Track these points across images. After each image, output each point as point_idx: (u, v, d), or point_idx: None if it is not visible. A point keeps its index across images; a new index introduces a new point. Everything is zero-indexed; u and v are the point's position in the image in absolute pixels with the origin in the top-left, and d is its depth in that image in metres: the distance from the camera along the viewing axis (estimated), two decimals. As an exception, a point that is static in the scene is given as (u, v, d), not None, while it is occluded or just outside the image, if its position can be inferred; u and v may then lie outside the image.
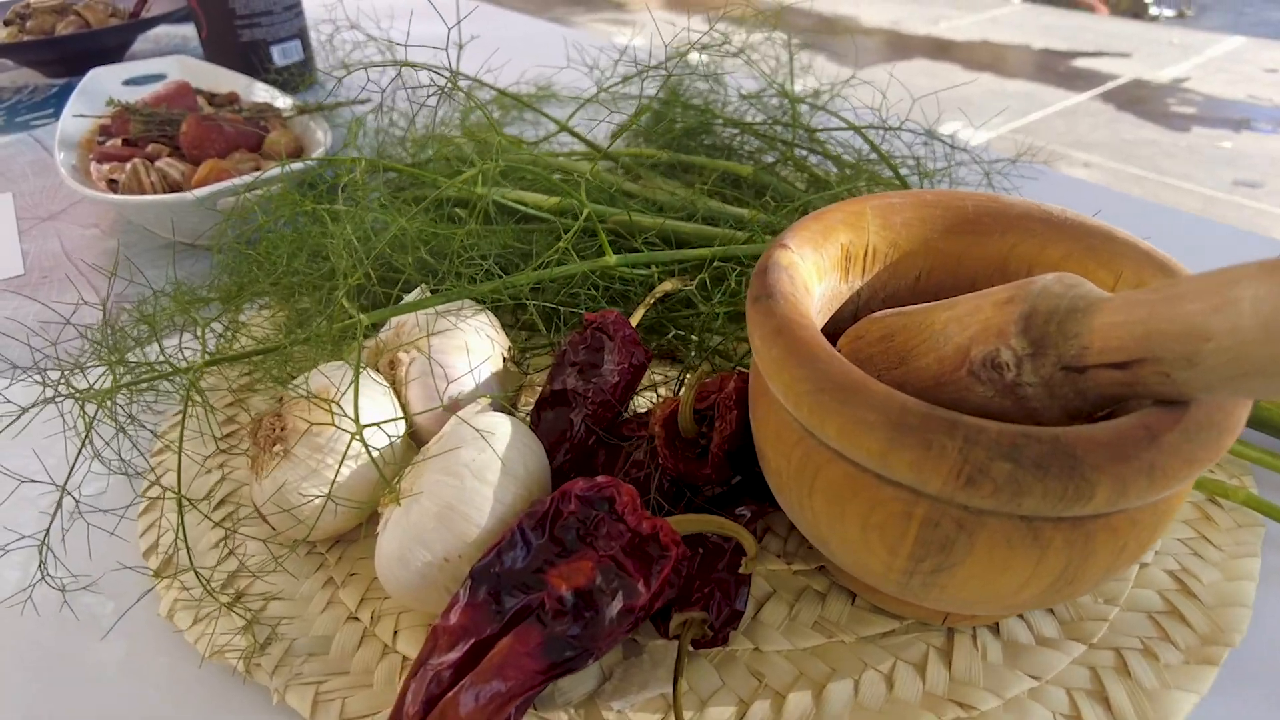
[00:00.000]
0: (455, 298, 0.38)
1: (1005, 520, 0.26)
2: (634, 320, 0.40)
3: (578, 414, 0.37)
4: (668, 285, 0.42)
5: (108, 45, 1.02)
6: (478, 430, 0.31)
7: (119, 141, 0.70)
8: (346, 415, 0.31)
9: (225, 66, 0.84)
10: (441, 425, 0.37)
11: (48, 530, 0.35)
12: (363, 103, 0.71)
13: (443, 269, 0.40)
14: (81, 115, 0.71)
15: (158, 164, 0.64)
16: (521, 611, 0.27)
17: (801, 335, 0.27)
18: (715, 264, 0.42)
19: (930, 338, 0.30)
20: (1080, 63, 3.38)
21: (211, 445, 0.43)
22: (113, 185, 0.65)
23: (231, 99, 0.80)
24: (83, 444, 0.36)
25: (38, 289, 0.60)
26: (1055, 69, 3.34)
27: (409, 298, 0.40)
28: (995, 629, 0.34)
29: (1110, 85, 3.15)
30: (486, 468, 0.30)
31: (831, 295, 0.35)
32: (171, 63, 0.84)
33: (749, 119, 0.63)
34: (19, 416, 0.36)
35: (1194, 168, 2.53)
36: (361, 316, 0.35)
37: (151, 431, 0.45)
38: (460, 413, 0.33)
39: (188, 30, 1.20)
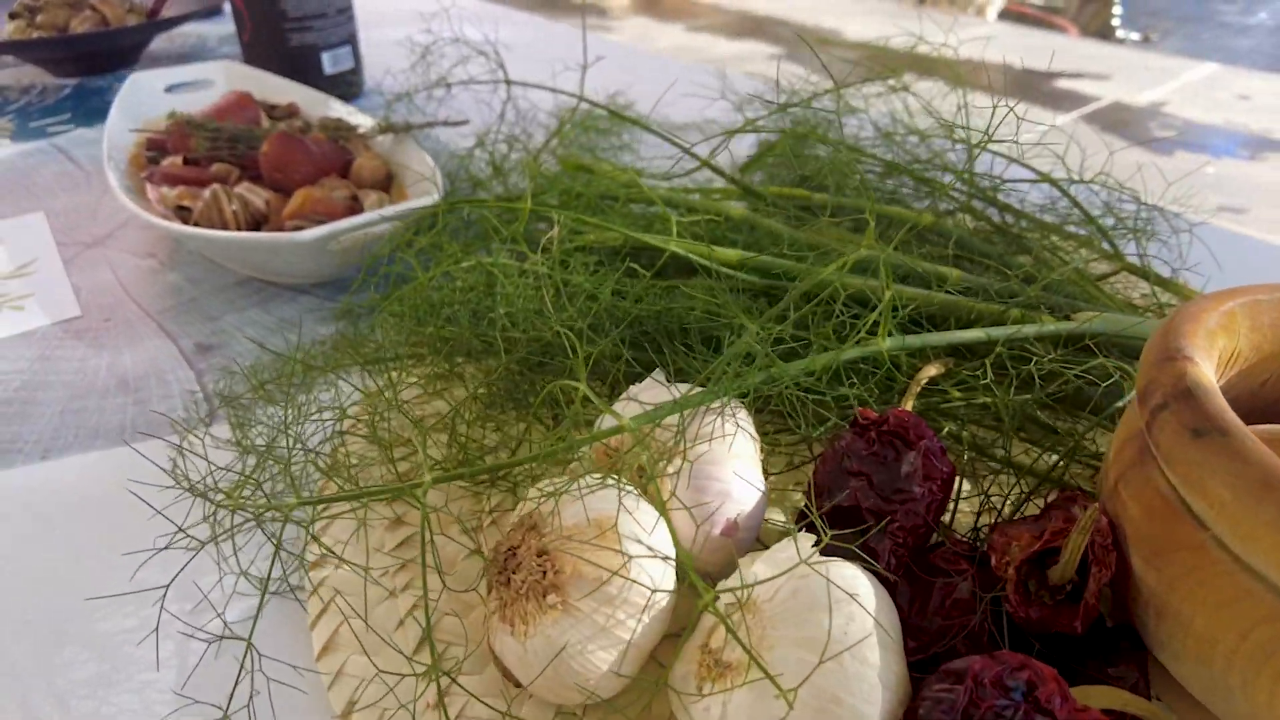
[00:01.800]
0: (728, 392, 0.31)
1: None
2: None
3: (881, 541, 0.30)
4: (931, 370, 0.37)
5: (123, 44, 0.92)
6: (845, 591, 0.24)
7: (179, 160, 0.61)
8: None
9: (268, 73, 0.75)
10: (717, 559, 0.30)
11: (231, 695, 0.28)
12: (459, 124, 0.63)
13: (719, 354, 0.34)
14: (137, 130, 0.62)
15: (236, 190, 0.56)
16: None
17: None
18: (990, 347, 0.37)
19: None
20: (1062, 83, 3.43)
21: (376, 552, 0.36)
22: (181, 213, 0.56)
23: (292, 111, 0.71)
24: (265, 585, 0.28)
25: (101, 335, 0.51)
26: (1040, 89, 3.38)
27: (649, 389, 0.33)
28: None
29: (1093, 107, 3.20)
30: (863, 642, 0.24)
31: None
32: (216, 69, 0.75)
33: (884, 156, 0.57)
34: (198, 551, 0.28)
35: (1180, 192, 2.57)
36: (629, 421, 0.29)
37: (301, 524, 0.37)
38: (802, 555, 0.26)
39: (205, 29, 1.09)
